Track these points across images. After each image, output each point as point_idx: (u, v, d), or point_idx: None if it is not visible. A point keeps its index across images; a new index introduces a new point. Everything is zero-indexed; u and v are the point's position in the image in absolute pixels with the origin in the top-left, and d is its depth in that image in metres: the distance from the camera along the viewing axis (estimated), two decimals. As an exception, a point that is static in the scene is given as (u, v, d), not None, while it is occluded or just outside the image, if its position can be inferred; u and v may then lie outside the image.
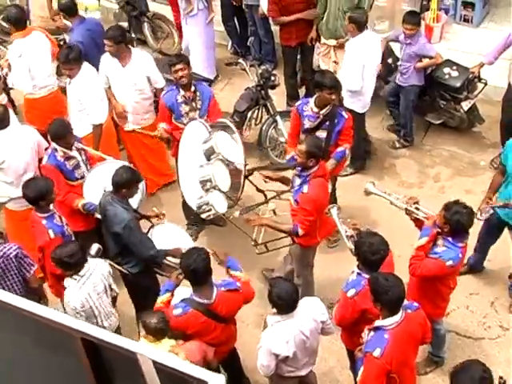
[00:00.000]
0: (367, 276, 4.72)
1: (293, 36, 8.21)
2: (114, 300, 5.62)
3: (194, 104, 6.62)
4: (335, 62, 8.03)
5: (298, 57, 8.56)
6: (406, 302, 4.58)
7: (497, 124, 7.67)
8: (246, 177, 6.12)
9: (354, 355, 4.89)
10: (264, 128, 7.89)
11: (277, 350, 4.71)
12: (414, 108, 7.88)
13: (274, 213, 6.12)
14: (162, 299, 5.07)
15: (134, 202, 6.03)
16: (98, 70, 7.12)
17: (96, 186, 6.10)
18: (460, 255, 5.12)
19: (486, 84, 7.66)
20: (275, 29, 8.86)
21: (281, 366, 4.87)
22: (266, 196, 6.16)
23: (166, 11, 9.77)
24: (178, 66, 6.46)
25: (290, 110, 7.24)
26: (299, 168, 5.68)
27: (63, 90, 7.41)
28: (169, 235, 5.95)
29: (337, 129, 6.34)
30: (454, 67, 7.71)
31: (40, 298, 5.78)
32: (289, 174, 6.08)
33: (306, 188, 5.58)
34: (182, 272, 4.96)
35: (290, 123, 6.73)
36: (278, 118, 7.78)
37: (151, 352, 2.30)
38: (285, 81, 8.58)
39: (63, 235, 5.68)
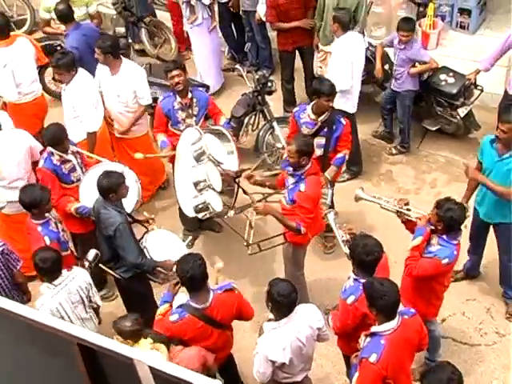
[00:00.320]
0: (364, 280, 4.71)
1: (289, 41, 8.22)
2: (95, 311, 5.57)
3: (190, 111, 6.62)
4: (320, 67, 8.07)
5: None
6: (402, 307, 4.58)
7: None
8: (234, 178, 6.14)
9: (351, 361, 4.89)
10: (261, 134, 7.90)
11: (273, 356, 4.69)
12: (410, 114, 7.90)
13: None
14: (160, 311, 5.05)
15: (131, 203, 6.04)
16: (93, 75, 7.12)
17: (92, 188, 6.08)
18: (455, 252, 5.14)
19: (482, 90, 7.71)
20: (272, 35, 8.87)
21: (277, 373, 4.85)
22: (252, 199, 6.05)
23: (166, 18, 9.82)
24: (175, 72, 6.46)
25: (287, 116, 7.24)
26: (291, 168, 5.69)
27: (59, 97, 7.37)
28: (163, 241, 5.95)
29: (335, 135, 6.37)
30: (451, 74, 7.74)
31: (24, 292, 5.82)
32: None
33: (303, 186, 5.60)
34: (179, 279, 4.91)
35: (289, 130, 6.76)
36: (274, 124, 7.78)
37: (148, 358, 2.30)
38: (281, 86, 8.60)
39: (59, 241, 5.68)
